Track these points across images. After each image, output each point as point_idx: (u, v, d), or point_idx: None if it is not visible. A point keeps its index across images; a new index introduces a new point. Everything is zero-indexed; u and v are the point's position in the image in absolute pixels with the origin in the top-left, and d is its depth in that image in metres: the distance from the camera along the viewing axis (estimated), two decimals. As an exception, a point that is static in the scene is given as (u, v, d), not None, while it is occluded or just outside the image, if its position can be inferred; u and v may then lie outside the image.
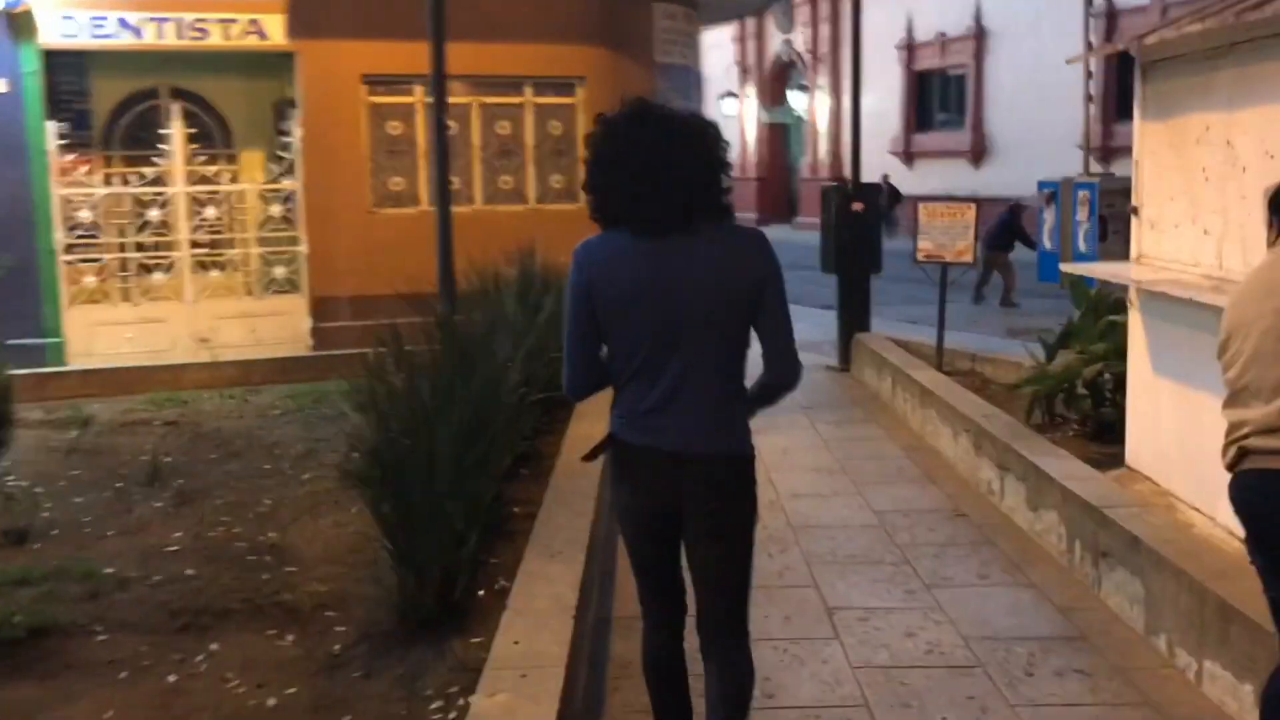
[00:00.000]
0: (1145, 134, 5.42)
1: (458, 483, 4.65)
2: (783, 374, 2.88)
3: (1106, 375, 6.20)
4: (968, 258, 8.68)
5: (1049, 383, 6.45)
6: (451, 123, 11.36)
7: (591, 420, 6.65)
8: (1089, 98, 9.31)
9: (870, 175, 10.88)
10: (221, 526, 5.61)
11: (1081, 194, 9.59)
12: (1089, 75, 9.09)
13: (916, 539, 5.54)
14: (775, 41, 35.14)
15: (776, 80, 35.25)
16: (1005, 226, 16.17)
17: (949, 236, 8.66)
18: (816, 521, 5.83)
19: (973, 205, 8.70)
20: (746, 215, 32.26)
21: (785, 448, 7.35)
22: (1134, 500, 4.91)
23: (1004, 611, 4.61)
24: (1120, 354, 6.05)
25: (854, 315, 10.22)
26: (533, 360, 7.16)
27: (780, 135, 35.60)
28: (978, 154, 27.01)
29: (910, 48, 28.92)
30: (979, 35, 26.79)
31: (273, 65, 11.79)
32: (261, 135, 11.79)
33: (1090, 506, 4.80)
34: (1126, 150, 23.40)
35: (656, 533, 2.93)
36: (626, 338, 2.80)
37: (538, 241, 10.54)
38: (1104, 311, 6.60)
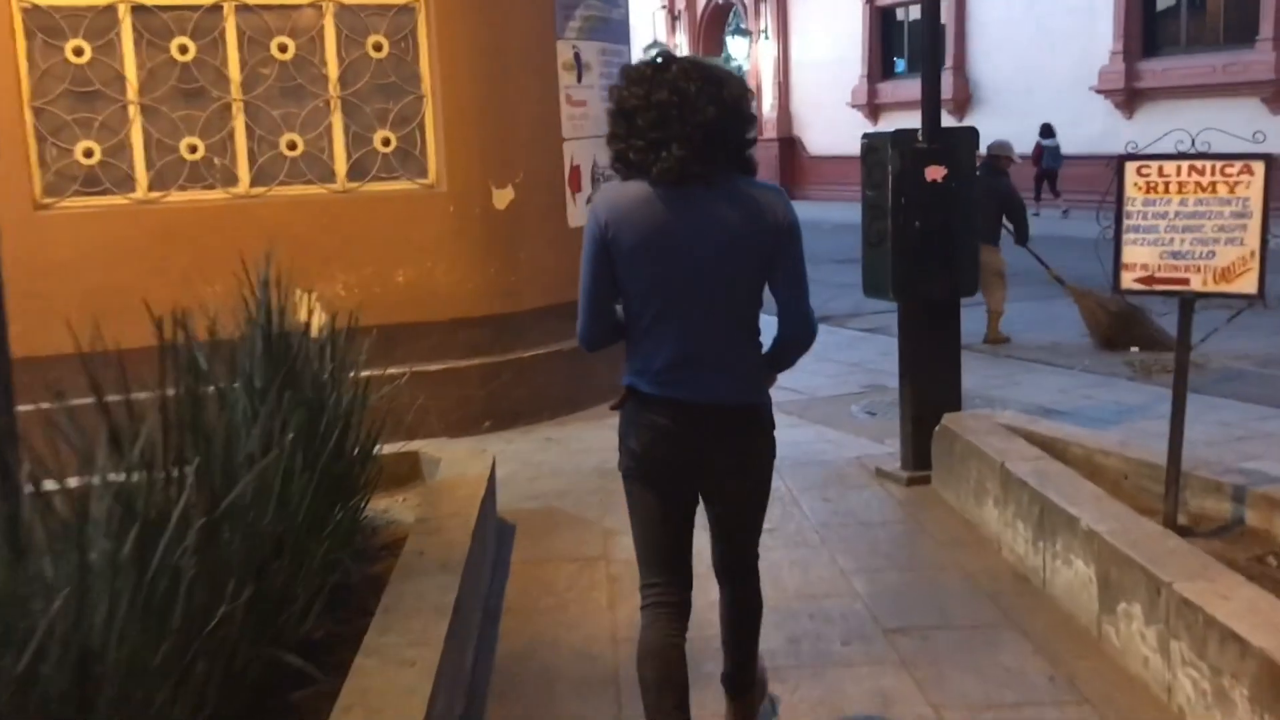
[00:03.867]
0: None
1: None
2: (798, 332, 2.80)
3: None
4: (1249, 285, 3.85)
5: None
6: (184, 42, 6.41)
7: None
8: None
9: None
10: None
11: None
12: None
13: None
14: (708, -20, 30.29)
15: (712, 25, 30.51)
16: (988, 193, 8.13)
17: (1199, 237, 3.91)
18: None
19: (1257, 165, 3.83)
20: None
21: None
22: None
23: None
24: None
25: (933, 376, 5.47)
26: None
27: (716, 91, 30.83)
28: (960, 103, 22.51)
29: (872, -21, 24.14)
30: (959, -42, 22.18)
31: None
32: None
33: None
34: (1155, 93, 18.06)
35: (671, 484, 2.78)
36: (642, 289, 2.69)
37: (352, 254, 5.77)
38: None
